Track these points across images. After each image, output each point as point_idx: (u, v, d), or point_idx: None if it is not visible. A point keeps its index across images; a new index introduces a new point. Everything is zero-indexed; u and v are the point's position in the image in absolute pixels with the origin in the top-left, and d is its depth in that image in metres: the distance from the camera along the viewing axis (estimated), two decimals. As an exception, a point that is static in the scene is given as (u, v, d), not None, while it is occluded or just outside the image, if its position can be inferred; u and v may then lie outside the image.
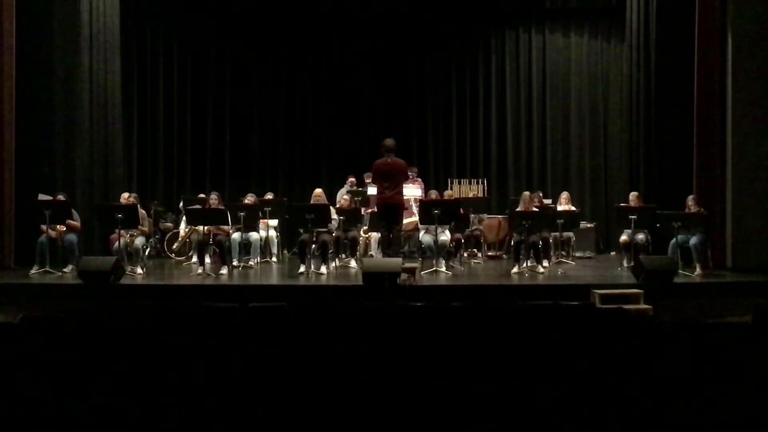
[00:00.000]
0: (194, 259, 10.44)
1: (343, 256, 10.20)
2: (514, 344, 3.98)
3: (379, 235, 9.94)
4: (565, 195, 11.22)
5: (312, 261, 9.30)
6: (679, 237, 9.28)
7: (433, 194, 10.71)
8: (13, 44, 10.07)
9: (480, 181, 12.82)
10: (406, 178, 9.54)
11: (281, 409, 2.92)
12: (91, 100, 11.44)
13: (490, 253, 11.60)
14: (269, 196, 11.35)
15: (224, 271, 9.37)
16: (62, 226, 9.54)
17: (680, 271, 8.89)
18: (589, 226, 11.97)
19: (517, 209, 10.01)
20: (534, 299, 7.66)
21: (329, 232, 9.65)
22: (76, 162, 11.18)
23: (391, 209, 9.07)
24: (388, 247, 9.06)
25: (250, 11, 13.12)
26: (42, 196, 9.63)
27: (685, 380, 3.27)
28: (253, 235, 10.17)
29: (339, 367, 3.39)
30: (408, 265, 8.62)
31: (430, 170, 13.24)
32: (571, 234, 10.78)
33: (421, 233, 9.97)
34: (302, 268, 9.26)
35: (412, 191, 11.01)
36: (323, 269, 9.36)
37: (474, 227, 11.12)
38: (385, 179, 9.03)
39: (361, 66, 13.36)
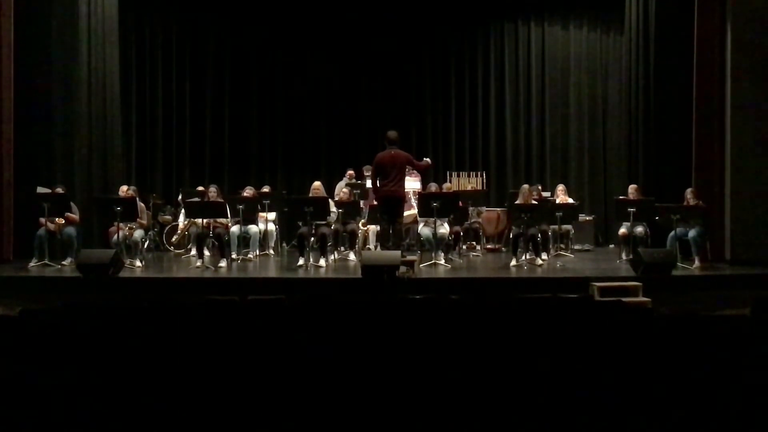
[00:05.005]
0: (193, 252, 10.44)
1: (342, 248, 10.22)
2: (513, 337, 3.99)
3: (378, 227, 9.93)
4: (561, 187, 11.21)
5: (311, 254, 9.31)
6: (678, 230, 9.29)
7: (432, 187, 10.70)
8: (12, 38, 10.03)
9: (479, 173, 12.80)
10: (408, 171, 9.45)
11: (279, 402, 2.93)
12: (89, 93, 11.44)
13: (488, 246, 11.60)
14: (266, 189, 11.35)
15: (223, 264, 9.37)
16: (61, 219, 9.55)
17: (679, 264, 8.90)
18: (587, 218, 11.96)
19: (516, 202, 10.02)
20: (533, 292, 7.68)
21: (328, 225, 9.65)
22: (75, 154, 11.20)
23: (392, 202, 9.02)
24: (387, 240, 9.03)
25: (249, 5, 13.09)
26: (41, 189, 9.63)
27: (684, 373, 3.27)
28: (252, 228, 10.17)
29: (338, 360, 3.40)
30: (407, 257, 8.62)
31: (429, 163, 13.22)
32: (569, 227, 10.78)
33: (420, 226, 9.96)
34: (301, 261, 9.27)
35: (411, 184, 10.99)
36: (322, 262, 9.37)
37: (473, 220, 11.13)
38: (387, 172, 8.94)
39: (359, 58, 13.32)
